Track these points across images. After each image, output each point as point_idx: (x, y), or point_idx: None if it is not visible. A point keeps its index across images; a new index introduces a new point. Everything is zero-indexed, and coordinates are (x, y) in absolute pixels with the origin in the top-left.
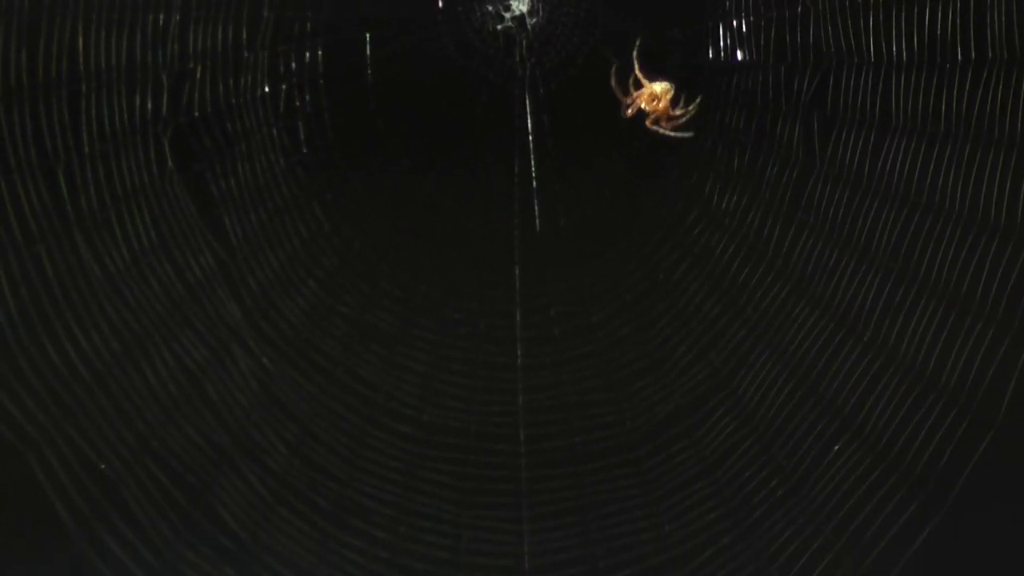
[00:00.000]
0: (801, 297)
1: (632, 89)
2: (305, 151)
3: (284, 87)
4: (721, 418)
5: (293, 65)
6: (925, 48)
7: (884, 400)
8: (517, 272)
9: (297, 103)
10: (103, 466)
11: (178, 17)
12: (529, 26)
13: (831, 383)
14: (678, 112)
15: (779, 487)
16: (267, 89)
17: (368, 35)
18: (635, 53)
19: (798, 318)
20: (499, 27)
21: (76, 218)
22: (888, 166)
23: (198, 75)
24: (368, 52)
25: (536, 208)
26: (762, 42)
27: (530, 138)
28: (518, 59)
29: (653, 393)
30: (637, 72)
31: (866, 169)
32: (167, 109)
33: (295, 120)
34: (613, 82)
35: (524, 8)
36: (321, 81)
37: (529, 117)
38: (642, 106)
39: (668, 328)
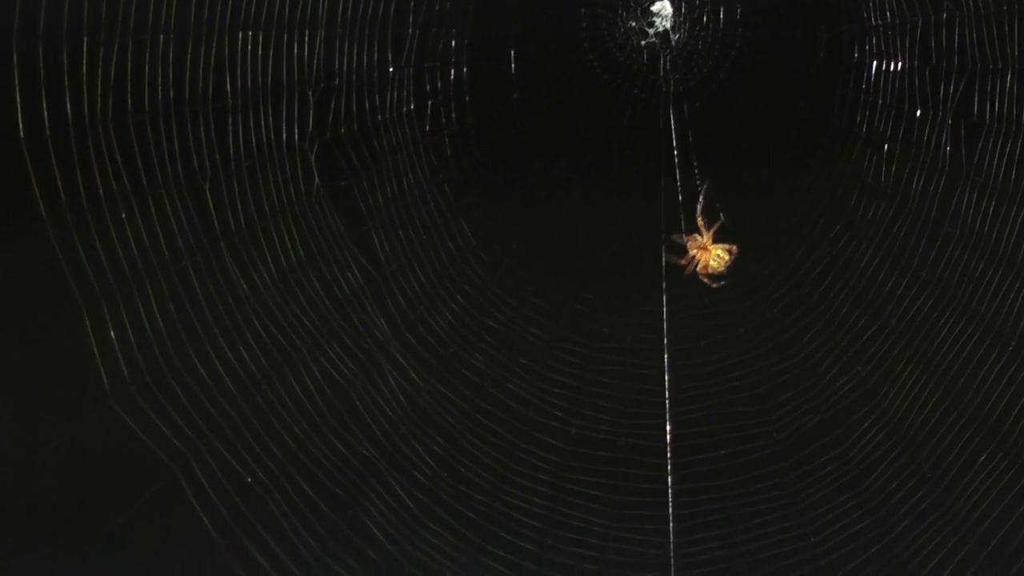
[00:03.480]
0: (947, 308)
1: (702, 233)
2: (452, 168)
3: (430, 104)
4: (867, 430)
5: (439, 83)
6: None
7: None
8: (664, 285)
9: (443, 120)
10: (249, 479)
11: (323, 34)
12: (673, 41)
13: (976, 393)
14: (712, 279)
15: (925, 498)
16: (412, 106)
17: (512, 52)
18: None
19: (943, 328)
20: (643, 43)
21: (223, 233)
22: None
23: (343, 92)
24: (513, 69)
25: (683, 222)
26: (907, 46)
27: (675, 153)
28: (662, 75)
29: (799, 406)
30: (700, 225)
31: (1012, 178)
32: (313, 126)
33: (442, 137)
34: (699, 208)
35: (667, 24)
36: (467, 98)
37: (674, 132)
38: (695, 253)
39: (814, 340)
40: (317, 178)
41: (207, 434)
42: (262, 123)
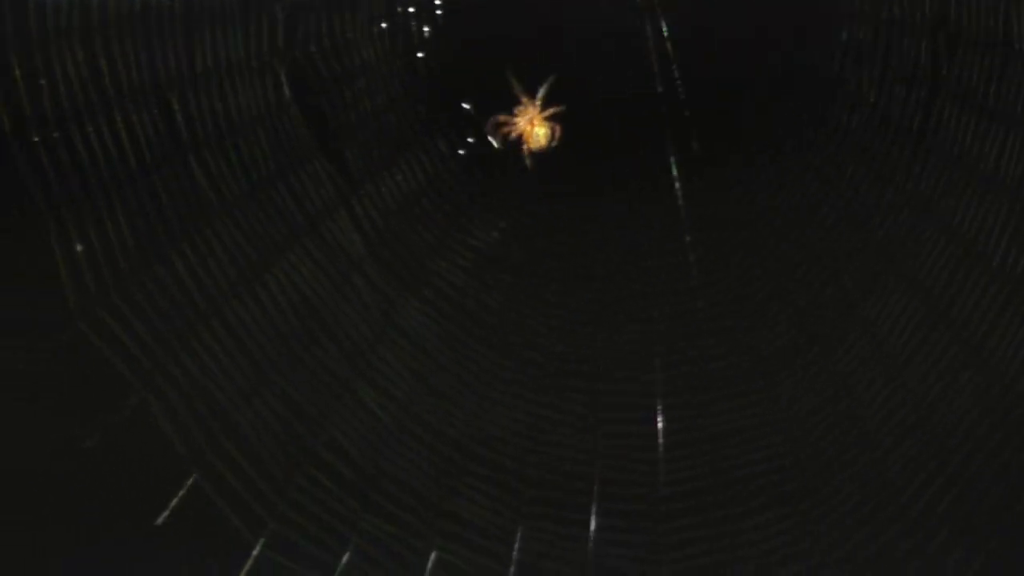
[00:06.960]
0: (928, 223)
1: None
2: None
3: (401, 23)
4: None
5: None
6: None
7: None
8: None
9: (416, 40)
10: (221, 401)
11: None
12: None
13: (962, 309)
14: (524, 148)
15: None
16: (384, 25)
17: None
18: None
19: (926, 244)
20: None
21: (192, 145)
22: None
23: (312, 9)
24: None
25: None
26: None
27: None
28: None
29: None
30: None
31: (991, 91)
32: (283, 42)
33: (414, 56)
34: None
35: None
36: (439, 16)
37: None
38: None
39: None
40: (288, 93)
41: (176, 352)
42: (230, 38)
